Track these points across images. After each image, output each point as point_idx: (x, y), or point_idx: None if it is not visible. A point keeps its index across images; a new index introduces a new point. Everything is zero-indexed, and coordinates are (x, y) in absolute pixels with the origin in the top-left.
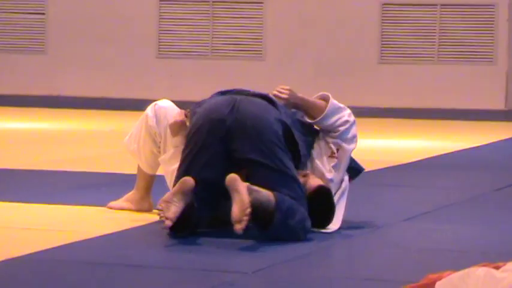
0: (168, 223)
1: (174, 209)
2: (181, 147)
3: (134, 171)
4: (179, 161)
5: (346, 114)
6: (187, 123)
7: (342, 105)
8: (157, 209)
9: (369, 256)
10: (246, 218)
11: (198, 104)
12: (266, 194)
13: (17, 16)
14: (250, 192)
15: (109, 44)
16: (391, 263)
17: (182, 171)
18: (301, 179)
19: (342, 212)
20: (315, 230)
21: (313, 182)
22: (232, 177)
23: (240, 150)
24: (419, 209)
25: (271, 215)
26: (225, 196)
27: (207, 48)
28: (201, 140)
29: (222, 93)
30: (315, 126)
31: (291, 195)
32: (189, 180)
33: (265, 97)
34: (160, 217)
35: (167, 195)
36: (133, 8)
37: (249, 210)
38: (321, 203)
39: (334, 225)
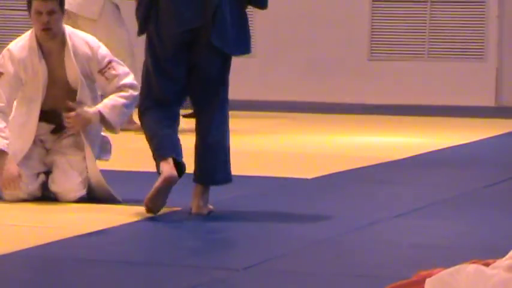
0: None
1: (161, 203)
2: None
3: (122, 168)
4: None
5: None
6: None
7: None
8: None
9: (360, 253)
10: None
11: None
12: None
13: (16, 13)
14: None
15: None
16: (382, 260)
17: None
18: None
19: None
20: None
21: None
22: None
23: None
24: (409, 206)
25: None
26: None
27: None
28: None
29: None
30: None
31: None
32: (173, 176)
33: None
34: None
35: (152, 193)
36: (127, 7)
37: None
38: None
39: None
